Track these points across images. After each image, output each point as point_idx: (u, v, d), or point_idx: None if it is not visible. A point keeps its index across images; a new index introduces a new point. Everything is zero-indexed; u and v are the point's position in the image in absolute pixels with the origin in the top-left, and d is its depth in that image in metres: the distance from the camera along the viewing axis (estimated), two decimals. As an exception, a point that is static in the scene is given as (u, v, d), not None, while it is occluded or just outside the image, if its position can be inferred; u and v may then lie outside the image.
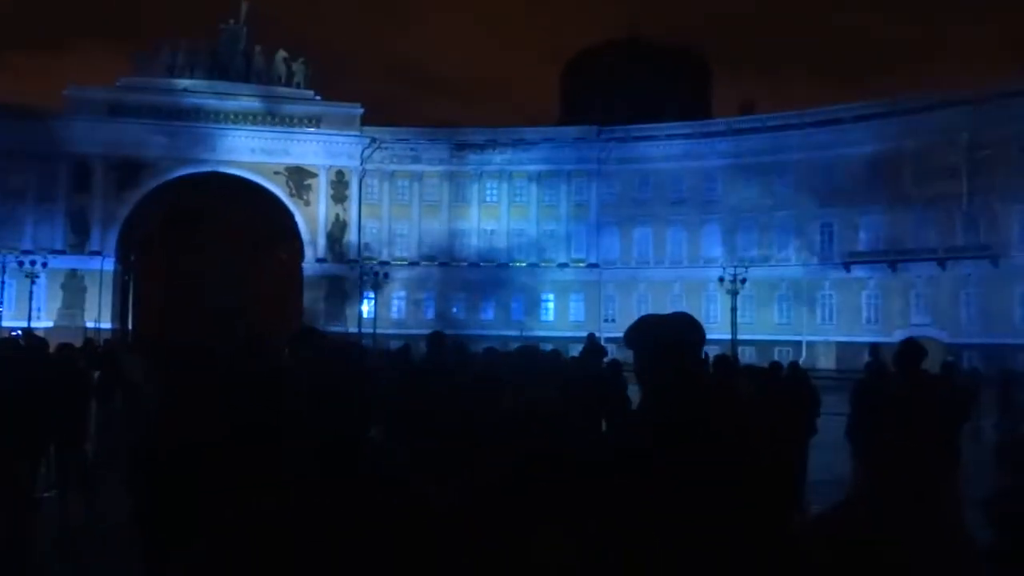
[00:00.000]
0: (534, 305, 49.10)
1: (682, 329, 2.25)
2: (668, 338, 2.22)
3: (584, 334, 16.75)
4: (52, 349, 8.89)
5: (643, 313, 2.53)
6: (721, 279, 39.33)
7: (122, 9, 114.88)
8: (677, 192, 48.04)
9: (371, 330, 44.23)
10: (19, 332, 27.11)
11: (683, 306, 35.72)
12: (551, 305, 49.75)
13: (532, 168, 51.24)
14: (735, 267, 38.69)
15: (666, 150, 49.12)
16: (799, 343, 42.49)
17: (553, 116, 61.80)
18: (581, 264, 49.96)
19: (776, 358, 19.30)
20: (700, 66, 65.54)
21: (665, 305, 38.80)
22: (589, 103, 57.29)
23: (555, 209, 50.78)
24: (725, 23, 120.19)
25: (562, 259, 50.11)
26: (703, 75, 65.65)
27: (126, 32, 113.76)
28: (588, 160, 50.45)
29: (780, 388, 8.86)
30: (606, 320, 45.43)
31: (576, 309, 49.04)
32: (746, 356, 32.35)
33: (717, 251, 46.12)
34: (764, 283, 43.85)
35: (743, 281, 38.47)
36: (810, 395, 9.38)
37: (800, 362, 13.68)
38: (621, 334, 2.59)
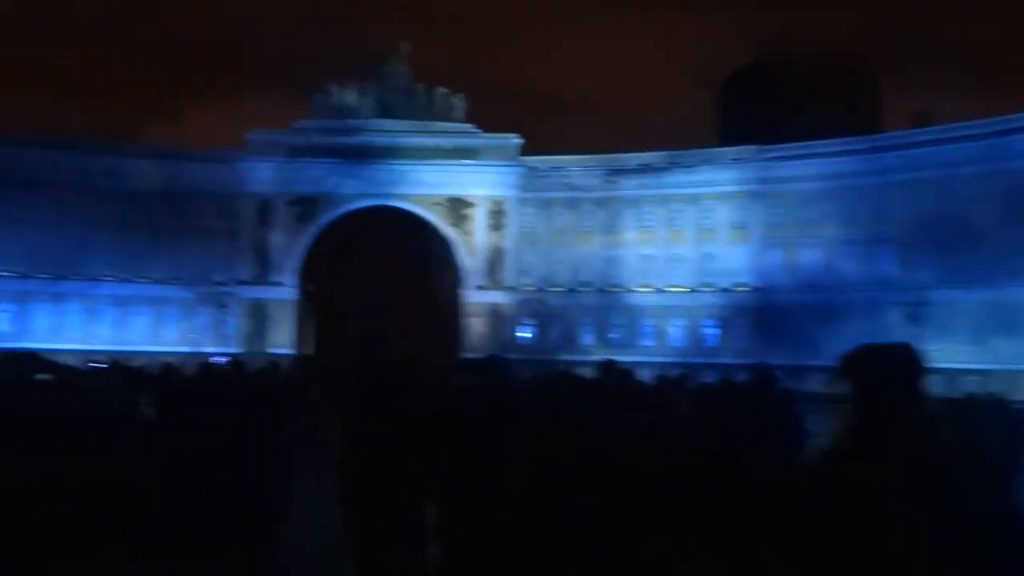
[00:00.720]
0: (694, 331, 48.00)
1: (914, 360, 2.17)
2: (901, 369, 2.14)
3: (748, 362, 16.22)
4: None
5: (813, 340, 2.45)
6: (900, 303, 36.82)
7: (292, 59, 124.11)
8: (846, 210, 45.57)
9: (530, 357, 44.72)
10: (221, 359, 29.59)
11: (858, 332, 33.58)
12: (713, 331, 48.47)
13: (689, 191, 50.36)
14: (916, 290, 36.12)
15: (833, 167, 46.83)
16: (993, 371, 38.84)
17: (702, 138, 60.66)
18: (744, 288, 48.35)
19: (968, 389, 17.80)
20: (865, 78, 62.32)
21: (839, 331, 36.62)
22: (747, 122, 55.83)
23: (713, 232, 49.60)
24: (889, 33, 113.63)
25: (723, 284, 48.75)
26: (869, 87, 62.38)
27: (299, 79, 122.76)
28: (748, 181, 48.97)
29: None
30: (772, 347, 43.60)
31: (738, 336, 47.40)
32: (933, 387, 29.89)
33: (893, 271, 43.27)
34: (946, 305, 40.58)
35: (923, 304, 35.85)
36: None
37: (996, 393, 12.49)
38: (790, 362, 2.49)
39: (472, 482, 3.48)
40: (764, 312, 46.53)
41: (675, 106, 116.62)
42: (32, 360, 7.72)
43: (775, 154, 48.84)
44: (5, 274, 46.66)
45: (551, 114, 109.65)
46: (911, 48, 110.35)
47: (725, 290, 48.31)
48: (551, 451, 2.39)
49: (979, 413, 8.74)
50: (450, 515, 3.67)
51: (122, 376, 9.07)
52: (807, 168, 47.62)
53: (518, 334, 49.89)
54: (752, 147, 49.56)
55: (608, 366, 9.09)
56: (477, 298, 51.83)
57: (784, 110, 55.13)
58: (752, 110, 57.44)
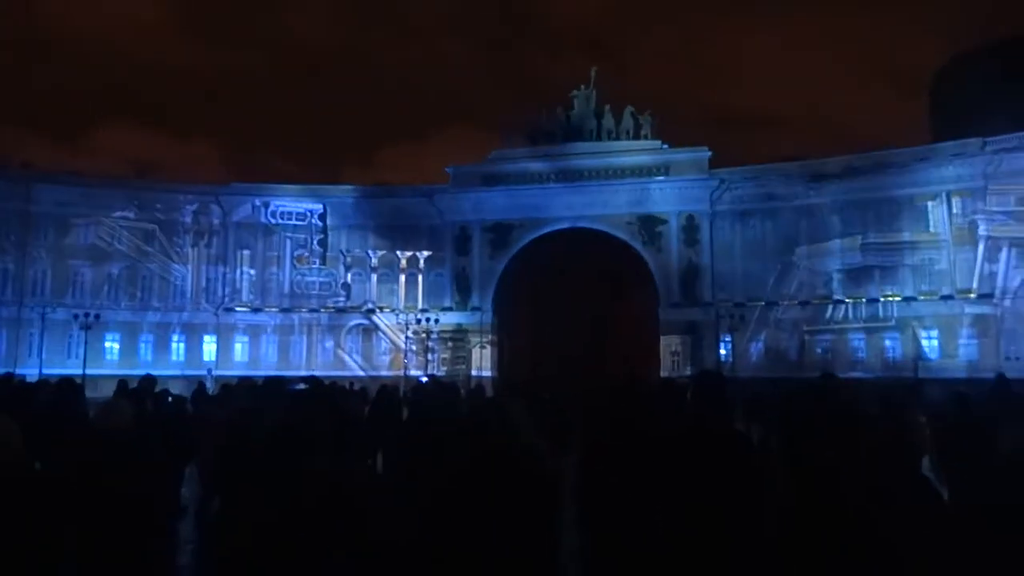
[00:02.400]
0: (911, 342, 44.08)
1: None
2: None
3: (983, 375, 14.58)
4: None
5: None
6: None
7: (486, 95, 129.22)
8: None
9: (731, 373, 43.21)
10: (425, 378, 31.34)
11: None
12: (935, 343, 44.28)
13: (901, 192, 46.64)
14: None
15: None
16: None
17: (908, 141, 55.75)
18: (970, 295, 43.79)
19: None
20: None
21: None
22: (964, 116, 50.75)
23: (932, 234, 45.43)
24: None
25: (946, 290, 44.48)
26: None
27: (492, 112, 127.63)
28: (971, 177, 44.49)
29: None
30: (1007, 358, 39.06)
31: (967, 346, 42.95)
32: None
33: None
34: None
35: None
36: None
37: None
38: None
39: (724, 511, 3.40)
40: (997, 321, 41.88)
41: (874, 110, 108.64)
42: (278, 382, 8.66)
43: (1003, 146, 44.05)
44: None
45: (741, 129, 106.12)
46: None
47: (946, 297, 44.03)
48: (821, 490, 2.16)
49: None
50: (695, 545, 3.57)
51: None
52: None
53: (719, 351, 48.37)
54: (975, 140, 45.01)
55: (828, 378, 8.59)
56: (674, 315, 50.96)
57: (1009, 98, 49.59)
58: (968, 102, 52.18)
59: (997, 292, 42.66)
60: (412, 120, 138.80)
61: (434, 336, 50.72)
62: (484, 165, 55.39)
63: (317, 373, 49.31)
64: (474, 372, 49.15)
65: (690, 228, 51.91)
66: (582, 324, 53.61)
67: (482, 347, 52.33)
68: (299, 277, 53.90)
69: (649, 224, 52.57)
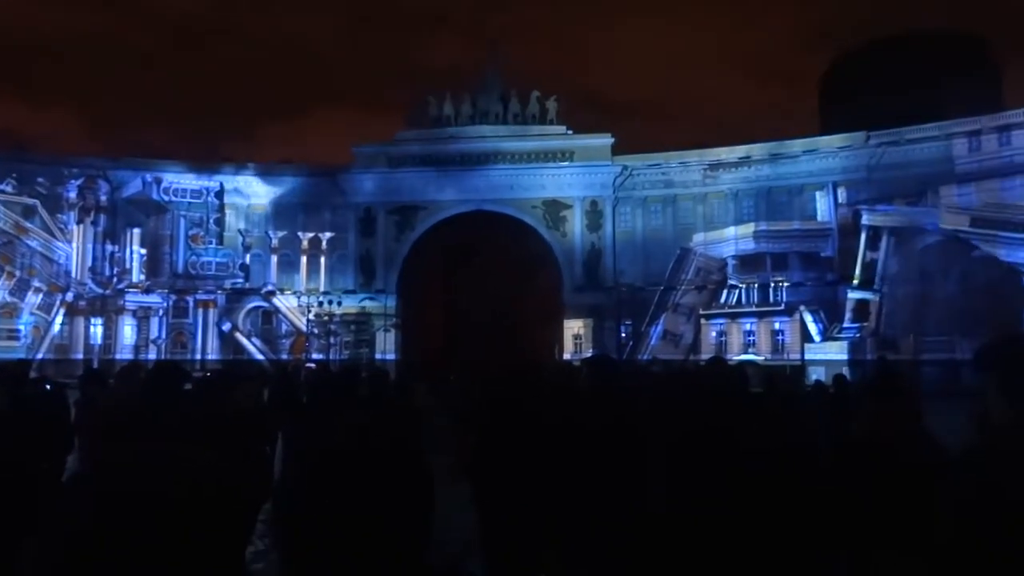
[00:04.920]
0: (799, 325, 46.27)
1: None
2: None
3: (865, 357, 15.41)
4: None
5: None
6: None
7: (373, 76, 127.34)
8: (967, 197, 42.97)
9: (635, 356, 44.33)
10: (311, 364, 30.79)
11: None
12: (820, 326, 46.62)
13: (791, 182, 48.83)
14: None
15: (951, 151, 44.42)
16: None
17: (801, 130, 58.41)
18: (854, 281, 46.28)
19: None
20: (980, 55, 58.58)
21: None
22: (850, 111, 53.41)
23: (820, 223, 47.72)
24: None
25: (831, 276, 46.89)
26: (983, 64, 58.50)
27: (392, 94, 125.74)
28: (855, 169, 46.99)
29: None
30: (884, 340, 41.62)
31: (849, 329, 45.43)
32: None
33: None
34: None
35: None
36: None
37: None
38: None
39: (610, 491, 3.45)
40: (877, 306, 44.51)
41: (769, 104, 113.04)
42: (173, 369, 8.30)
43: (885, 140, 46.68)
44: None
45: (636, 116, 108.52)
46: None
47: (831, 283, 46.45)
48: (696, 462, 2.22)
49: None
50: (582, 524, 3.62)
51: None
52: (923, 153, 45.32)
53: (619, 334, 49.49)
54: (860, 134, 47.52)
55: (715, 364, 8.88)
56: (577, 299, 51.81)
57: (895, 93, 52.45)
58: (857, 96, 54.93)
59: (877, 278, 45.30)
60: (293, 99, 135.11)
61: (337, 319, 49.90)
62: (390, 146, 54.61)
63: (212, 357, 47.95)
64: (378, 356, 48.65)
65: (593, 213, 52.84)
66: (488, 307, 53.81)
67: (386, 330, 51.82)
68: (194, 257, 51.86)
69: (554, 209, 53.20)
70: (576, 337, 50.99)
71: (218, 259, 52.09)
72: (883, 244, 43.30)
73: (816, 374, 29.63)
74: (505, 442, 4.47)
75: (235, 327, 51.16)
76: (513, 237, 52.60)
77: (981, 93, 52.55)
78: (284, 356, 48.10)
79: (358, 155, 54.58)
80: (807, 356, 41.58)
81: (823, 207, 47.52)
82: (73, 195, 50.36)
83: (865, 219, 44.23)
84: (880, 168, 46.24)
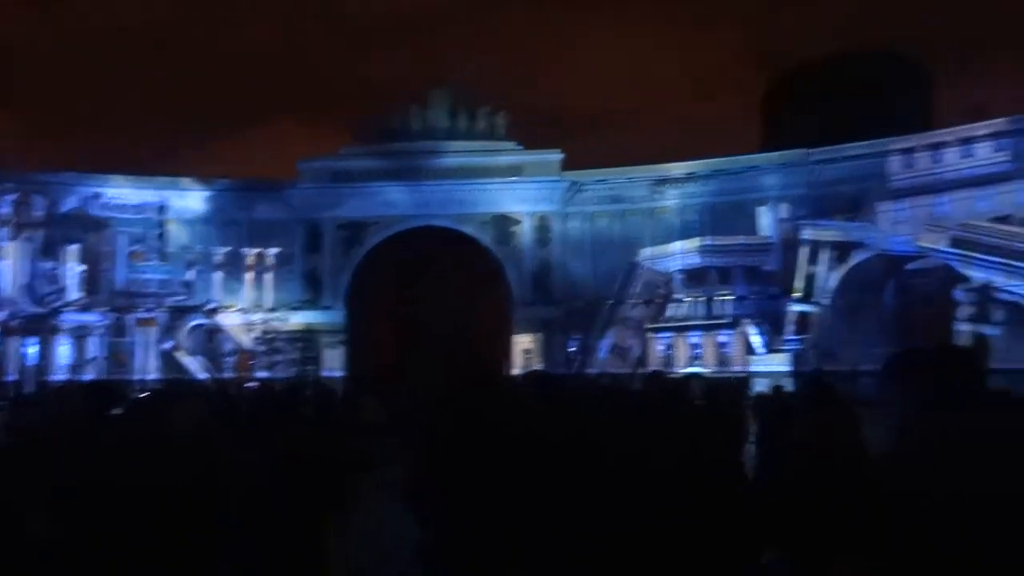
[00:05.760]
0: (743, 339, 47.20)
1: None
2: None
3: (806, 368, 15.79)
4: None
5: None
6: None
7: (334, 88, 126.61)
8: (901, 212, 44.45)
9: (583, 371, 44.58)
10: (253, 384, 30.20)
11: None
12: (763, 339, 47.63)
13: (735, 198, 49.86)
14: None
15: (886, 167, 45.98)
16: None
17: (746, 147, 59.94)
18: (795, 294, 47.42)
19: None
20: (916, 73, 60.90)
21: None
22: (791, 128, 55.00)
23: (763, 237, 48.80)
24: (940, 24, 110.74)
25: (773, 290, 47.93)
26: (921, 82, 60.84)
27: (342, 108, 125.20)
28: (796, 185, 48.26)
29: None
30: (823, 353, 42.68)
31: (791, 342, 46.50)
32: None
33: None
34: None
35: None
36: None
37: None
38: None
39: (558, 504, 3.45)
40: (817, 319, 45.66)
41: (710, 117, 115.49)
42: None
43: (824, 158, 48.07)
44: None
45: (584, 132, 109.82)
46: (965, 39, 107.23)
47: (773, 297, 47.51)
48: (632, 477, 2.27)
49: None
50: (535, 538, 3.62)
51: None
52: (858, 170, 46.74)
53: (568, 348, 49.79)
54: (800, 151, 48.87)
55: (655, 378, 9.03)
56: (527, 314, 52.01)
57: (835, 111, 54.15)
58: (798, 113, 56.58)
59: (817, 292, 46.45)
60: (238, 113, 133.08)
61: (282, 336, 49.12)
62: (337, 161, 54.24)
63: (152, 376, 46.63)
64: (325, 372, 48.02)
65: (543, 228, 53.27)
66: (438, 323, 53.63)
67: (334, 347, 51.22)
68: (135, 274, 50.55)
69: (503, 224, 53.46)
70: (526, 352, 51.13)
71: (160, 276, 50.86)
72: (823, 258, 44.47)
73: (760, 385, 30.19)
74: (465, 454, 4.45)
75: (177, 345, 49.97)
76: (463, 252, 52.64)
77: (915, 111, 54.63)
78: (228, 374, 47.12)
79: (305, 170, 54.06)
80: (752, 368, 42.33)
81: (766, 222, 48.59)
82: (7, 210, 48.67)
83: (805, 234, 45.36)
84: (819, 184, 47.58)
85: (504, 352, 50.84)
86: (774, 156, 50.46)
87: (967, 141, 44.47)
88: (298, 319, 50.98)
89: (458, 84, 55.03)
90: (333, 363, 50.49)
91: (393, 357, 52.06)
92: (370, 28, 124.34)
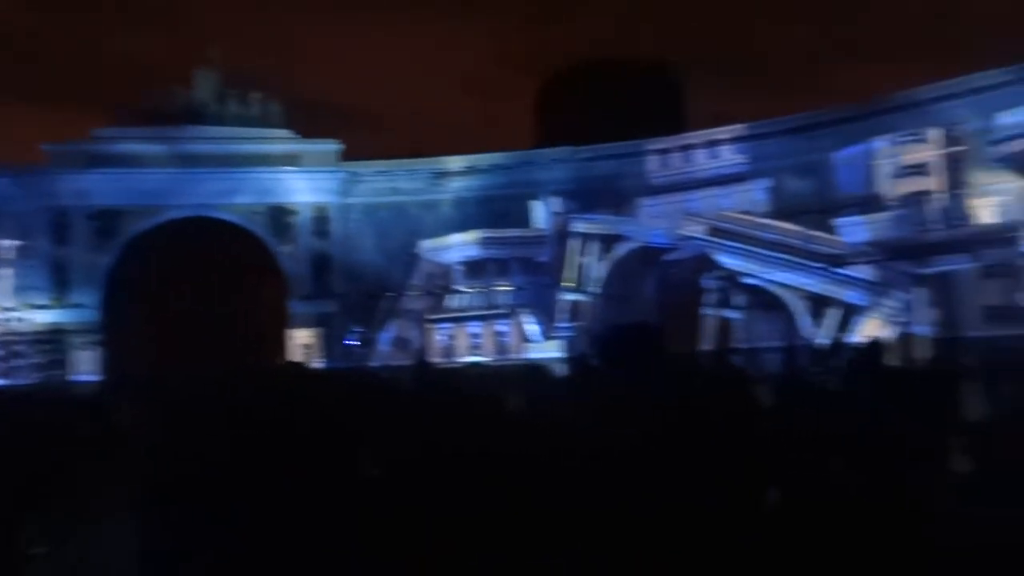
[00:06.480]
0: (519, 328, 49.15)
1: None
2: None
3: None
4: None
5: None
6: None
7: (94, 68, 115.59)
8: (659, 207, 48.32)
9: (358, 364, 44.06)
10: None
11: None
12: (539, 327, 49.86)
13: (513, 192, 51.50)
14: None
15: (645, 166, 49.78)
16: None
17: (518, 141, 62.43)
18: (567, 284, 50.01)
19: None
20: (673, 80, 66.40)
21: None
22: (567, 124, 57.88)
23: (537, 230, 50.95)
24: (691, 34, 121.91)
25: (547, 281, 50.23)
26: (674, 89, 66.42)
27: (102, 90, 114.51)
28: (566, 181, 50.82)
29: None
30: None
31: (564, 330, 49.10)
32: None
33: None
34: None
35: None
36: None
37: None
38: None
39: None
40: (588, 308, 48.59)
41: (488, 114, 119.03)
42: None
43: (591, 155, 51.07)
44: None
45: (362, 125, 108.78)
46: (713, 54, 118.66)
47: (547, 287, 49.87)
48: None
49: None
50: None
51: None
52: (621, 168, 50.11)
53: (347, 341, 49.00)
54: (568, 148, 51.56)
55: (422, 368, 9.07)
56: (306, 308, 50.52)
57: (600, 111, 57.65)
58: (569, 113, 59.61)
59: (587, 282, 49.37)
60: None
61: (25, 339, 43.97)
62: (90, 145, 49.38)
63: None
64: (76, 377, 43.61)
65: (321, 220, 51.95)
66: (207, 320, 50.55)
67: (85, 349, 46.63)
68: None
69: (279, 215, 51.49)
70: (305, 347, 49.60)
71: None
72: (591, 250, 47.31)
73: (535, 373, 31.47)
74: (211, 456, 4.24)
75: None
76: (234, 245, 50.04)
77: (670, 115, 59.58)
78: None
79: (52, 154, 48.72)
80: (529, 356, 44.12)
81: (540, 215, 50.79)
82: None
83: (575, 227, 48.03)
84: (587, 180, 50.45)
85: (281, 348, 49.01)
86: (545, 152, 52.82)
87: (712, 144, 49.26)
88: (43, 318, 45.83)
89: (224, 66, 52.07)
90: (85, 366, 45.94)
91: (155, 357, 48.32)
92: (124, 4, 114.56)
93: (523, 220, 50.99)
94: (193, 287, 49.79)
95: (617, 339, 2.55)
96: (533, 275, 49.00)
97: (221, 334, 50.17)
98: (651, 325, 2.81)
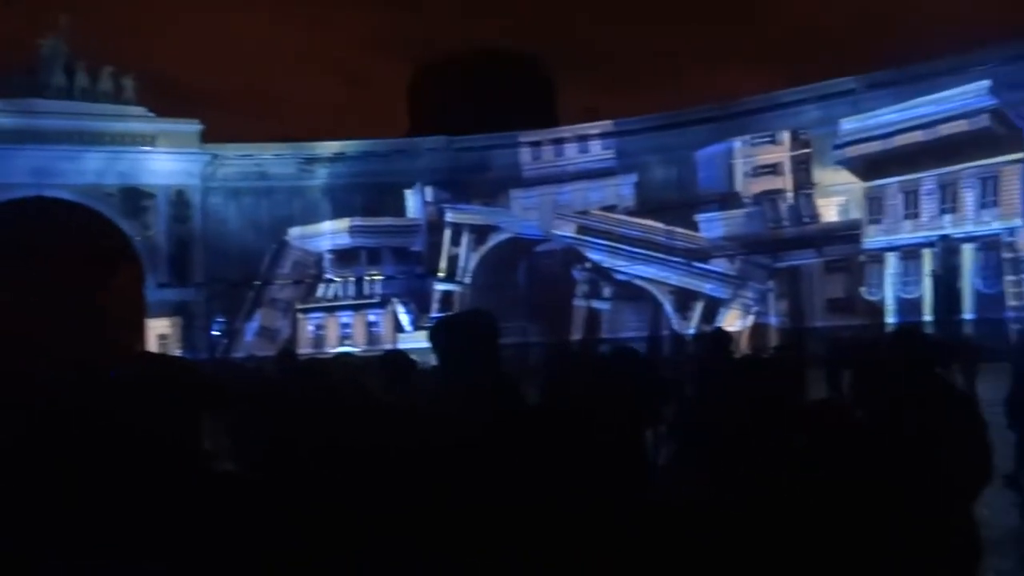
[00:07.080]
0: (393, 318, 48.61)
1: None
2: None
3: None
4: None
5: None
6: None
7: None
8: (531, 199, 49.02)
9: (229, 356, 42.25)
10: None
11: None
12: (410, 317, 49.48)
13: (385, 180, 50.74)
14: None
15: (518, 158, 50.34)
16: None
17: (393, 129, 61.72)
18: (440, 274, 49.90)
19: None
20: (544, 74, 67.37)
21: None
22: (437, 116, 57.49)
23: (410, 219, 50.50)
24: (560, 29, 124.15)
25: (420, 270, 49.92)
26: (546, 83, 67.43)
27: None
28: (440, 171, 50.55)
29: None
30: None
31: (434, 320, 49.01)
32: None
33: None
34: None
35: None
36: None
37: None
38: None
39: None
40: (461, 297, 48.71)
41: (361, 101, 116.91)
42: None
43: (465, 146, 51.04)
44: None
45: (225, 107, 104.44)
46: (583, 52, 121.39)
47: (420, 276, 49.61)
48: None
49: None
50: None
51: None
52: (494, 159, 50.41)
53: (212, 332, 46.85)
54: (443, 138, 51.25)
55: (286, 358, 8.72)
56: (162, 296, 47.82)
57: (477, 102, 57.67)
58: (443, 103, 59.27)
59: (459, 271, 49.44)
60: None
61: None
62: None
63: None
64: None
65: (180, 204, 49.23)
66: (53, 310, 46.95)
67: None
68: None
69: (133, 197, 48.39)
70: (162, 338, 47.02)
71: None
72: (464, 240, 47.38)
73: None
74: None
75: None
76: (82, 228, 46.65)
77: (543, 109, 60.39)
78: None
79: None
80: (400, 346, 43.73)
81: (413, 205, 50.35)
82: None
83: (448, 217, 47.96)
84: (461, 170, 50.41)
85: (136, 339, 46.25)
86: (419, 141, 52.29)
87: (583, 139, 50.38)
88: None
89: (73, 37, 48.29)
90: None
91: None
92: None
93: (396, 209, 50.42)
94: (35, 275, 46.08)
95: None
96: (405, 264, 48.59)
97: (68, 324, 46.79)
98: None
